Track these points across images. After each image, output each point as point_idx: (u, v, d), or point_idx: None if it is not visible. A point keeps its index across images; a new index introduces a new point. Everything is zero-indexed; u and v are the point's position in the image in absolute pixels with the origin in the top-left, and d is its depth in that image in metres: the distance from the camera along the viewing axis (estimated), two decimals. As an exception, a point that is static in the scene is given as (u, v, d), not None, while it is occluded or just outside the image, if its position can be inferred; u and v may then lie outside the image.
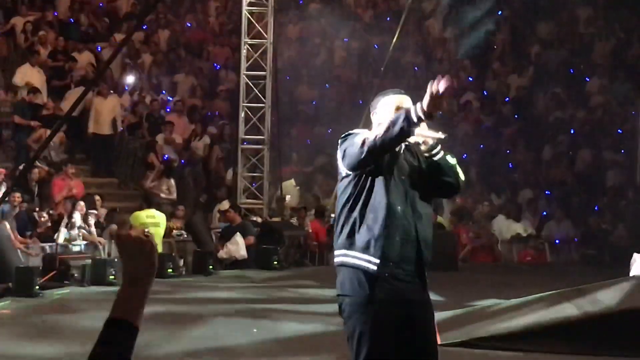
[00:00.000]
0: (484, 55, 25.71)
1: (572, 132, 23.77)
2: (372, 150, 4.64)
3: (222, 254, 17.13)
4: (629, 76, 23.18)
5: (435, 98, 4.49)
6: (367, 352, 4.70)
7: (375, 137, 4.64)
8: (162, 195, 18.46)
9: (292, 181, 21.03)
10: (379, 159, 4.74)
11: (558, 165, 23.25)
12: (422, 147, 4.90)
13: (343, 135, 4.92)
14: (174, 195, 18.80)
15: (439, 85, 4.47)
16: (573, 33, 25.82)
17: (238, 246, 17.19)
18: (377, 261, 4.72)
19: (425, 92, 4.51)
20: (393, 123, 4.59)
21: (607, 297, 9.78)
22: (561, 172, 23.12)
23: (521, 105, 24.61)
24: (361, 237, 4.77)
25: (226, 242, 17.30)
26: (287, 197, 20.33)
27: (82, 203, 15.77)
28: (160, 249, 15.90)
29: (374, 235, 4.73)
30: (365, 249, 4.75)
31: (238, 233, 17.32)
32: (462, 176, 5.05)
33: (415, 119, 4.54)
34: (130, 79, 21.19)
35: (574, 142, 23.61)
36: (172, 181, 18.97)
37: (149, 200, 16.49)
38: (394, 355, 4.73)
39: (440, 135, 4.85)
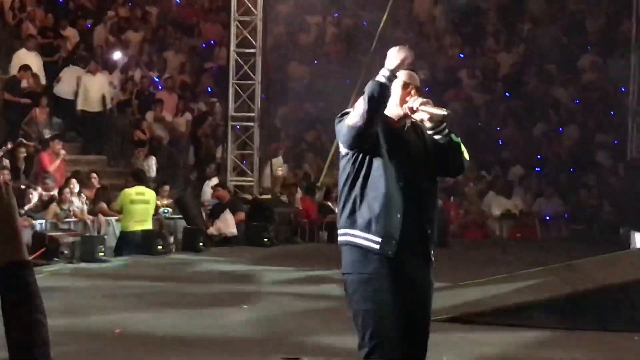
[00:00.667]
0: (475, 32, 25.61)
1: (563, 108, 23.73)
2: (355, 128, 4.65)
3: (212, 230, 17.11)
4: (620, 53, 23.11)
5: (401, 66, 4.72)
6: (372, 330, 4.67)
7: (356, 113, 4.65)
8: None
9: (280, 158, 20.97)
10: (368, 136, 4.70)
11: (549, 142, 23.23)
12: (427, 124, 4.83)
13: (339, 115, 4.88)
14: (153, 174, 18.66)
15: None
16: (564, 10, 25.73)
17: (227, 223, 17.18)
18: (379, 240, 4.68)
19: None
20: (366, 95, 4.66)
21: (597, 272, 9.79)
22: (552, 149, 23.10)
23: (512, 83, 24.54)
24: (362, 216, 4.73)
25: (216, 220, 17.27)
26: (279, 170, 20.33)
27: (73, 180, 15.68)
28: (150, 226, 15.85)
29: (374, 214, 4.70)
30: (367, 228, 4.71)
31: (227, 210, 17.30)
32: (466, 156, 4.98)
33: (384, 80, 4.67)
34: (119, 55, 21.03)
35: (565, 119, 23.58)
36: (153, 159, 18.86)
37: (138, 177, 16.37)
38: (398, 332, 4.70)
39: (445, 111, 4.79)
